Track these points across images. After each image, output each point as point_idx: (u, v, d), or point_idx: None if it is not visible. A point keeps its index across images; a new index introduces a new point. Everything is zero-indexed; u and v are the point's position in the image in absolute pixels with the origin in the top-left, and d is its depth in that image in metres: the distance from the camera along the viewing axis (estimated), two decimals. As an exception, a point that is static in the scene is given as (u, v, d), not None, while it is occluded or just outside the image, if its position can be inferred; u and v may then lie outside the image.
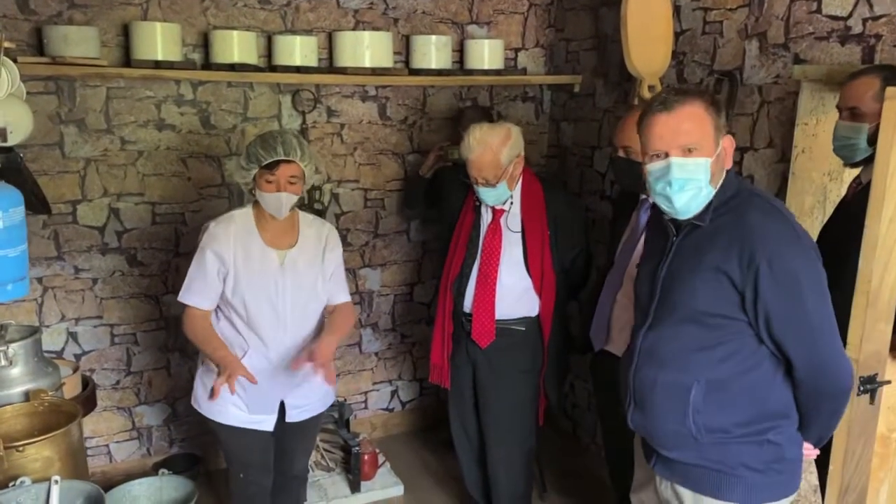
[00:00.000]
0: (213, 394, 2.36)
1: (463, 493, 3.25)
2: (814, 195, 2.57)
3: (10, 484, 1.83)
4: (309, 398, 2.55)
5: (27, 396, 2.17)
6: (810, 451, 1.85)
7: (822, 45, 2.42)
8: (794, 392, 1.74)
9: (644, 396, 1.82)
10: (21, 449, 1.89)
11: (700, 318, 1.71)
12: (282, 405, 2.50)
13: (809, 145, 2.51)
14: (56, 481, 1.82)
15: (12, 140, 1.98)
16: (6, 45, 1.21)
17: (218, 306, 2.44)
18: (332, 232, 2.58)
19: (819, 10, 2.42)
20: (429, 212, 3.51)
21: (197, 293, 2.39)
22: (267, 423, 2.49)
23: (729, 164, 1.74)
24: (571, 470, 3.64)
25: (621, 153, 2.45)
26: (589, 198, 3.64)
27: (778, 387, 1.73)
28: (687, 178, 1.67)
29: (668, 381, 1.77)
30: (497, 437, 2.85)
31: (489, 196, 2.65)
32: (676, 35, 2.98)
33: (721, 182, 1.73)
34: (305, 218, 2.54)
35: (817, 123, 2.49)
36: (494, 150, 2.57)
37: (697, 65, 2.91)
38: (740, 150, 2.69)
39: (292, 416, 2.53)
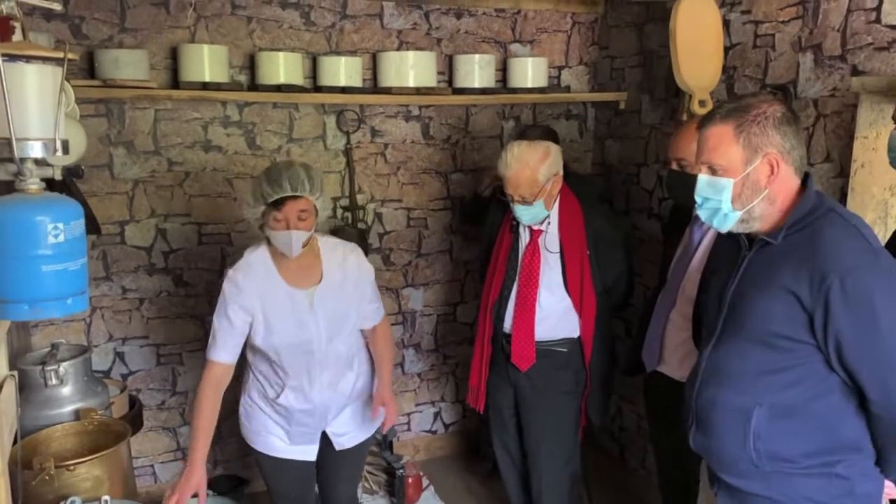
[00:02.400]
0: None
1: (508, 518, 3.18)
2: (874, 211, 2.47)
3: (61, 503, 1.82)
4: (350, 425, 2.48)
5: (77, 415, 2.18)
6: (891, 490, 1.73)
7: (881, 55, 2.35)
8: (870, 426, 1.63)
9: (705, 417, 1.75)
10: (72, 468, 1.89)
11: (767, 340, 1.63)
12: (325, 435, 2.46)
13: (869, 159, 2.42)
14: (106, 501, 1.81)
15: (66, 160, 2.00)
16: (70, 56, 1.21)
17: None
18: (360, 254, 2.43)
19: (878, 20, 2.35)
20: (470, 230, 3.49)
21: (221, 348, 2.25)
22: (309, 453, 2.45)
23: (770, 183, 1.64)
24: (619, 494, 3.55)
25: (675, 166, 2.40)
26: (636, 216, 3.58)
27: (850, 418, 1.63)
28: (707, 196, 1.66)
29: (729, 403, 1.69)
30: (540, 460, 2.78)
31: (525, 214, 2.61)
32: (726, 49, 2.93)
33: (795, 200, 1.65)
34: (327, 244, 2.36)
35: (877, 137, 2.40)
36: (532, 167, 2.53)
37: (749, 79, 2.85)
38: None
39: (340, 444, 2.47)
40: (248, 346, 2.34)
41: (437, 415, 3.93)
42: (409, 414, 3.86)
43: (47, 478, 1.84)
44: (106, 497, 1.81)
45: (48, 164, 1.23)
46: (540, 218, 2.64)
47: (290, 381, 2.32)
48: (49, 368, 2.15)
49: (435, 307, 3.80)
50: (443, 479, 3.69)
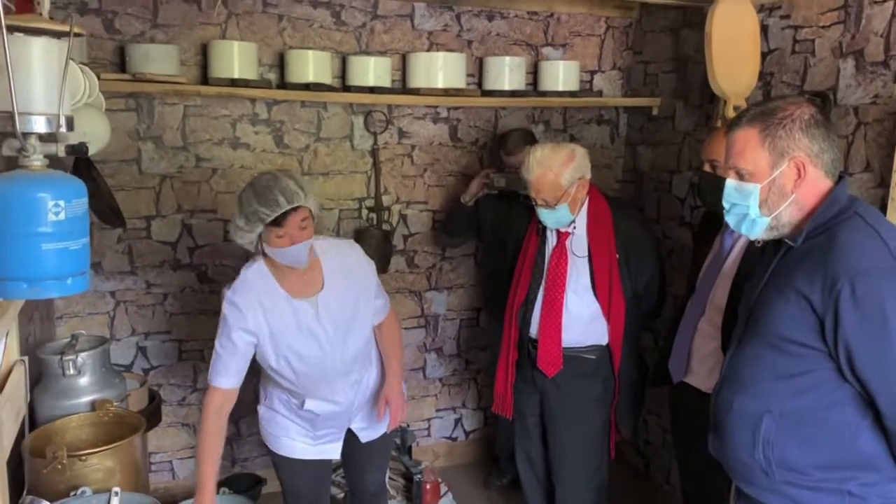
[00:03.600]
0: None
1: (527, 529, 3.11)
2: (917, 223, 2.38)
3: (71, 493, 1.81)
4: (373, 418, 2.46)
5: (93, 406, 2.17)
6: None
7: (927, 61, 2.26)
8: (888, 443, 1.54)
9: (721, 421, 1.69)
10: (84, 458, 1.88)
11: (779, 344, 1.57)
12: (349, 430, 2.45)
13: (912, 169, 2.33)
14: (116, 493, 1.80)
15: (89, 150, 2.00)
16: (77, 30, 1.19)
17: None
18: (354, 248, 2.35)
19: (924, 25, 2.27)
20: (471, 240, 3.43)
21: (222, 374, 2.15)
22: (334, 452, 2.43)
23: (797, 188, 1.58)
24: (643, 510, 3.46)
25: (707, 167, 2.33)
26: (667, 224, 3.50)
27: (866, 433, 1.54)
28: (734, 202, 1.63)
29: (742, 408, 1.63)
30: (565, 471, 2.71)
31: (549, 218, 2.56)
32: (764, 55, 2.85)
33: (819, 204, 1.59)
34: (322, 246, 2.25)
35: (921, 146, 2.31)
36: (555, 171, 2.48)
37: (786, 85, 2.77)
38: (847, 179, 2.53)
39: (366, 437, 2.45)
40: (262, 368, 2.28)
41: (457, 421, 3.87)
42: (429, 419, 3.81)
43: (59, 467, 1.83)
44: (116, 488, 1.80)
45: (54, 141, 1.21)
46: (564, 222, 2.58)
47: (309, 394, 2.28)
48: (67, 358, 2.15)
49: (458, 311, 3.75)
50: (462, 486, 3.63)
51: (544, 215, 2.55)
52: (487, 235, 3.23)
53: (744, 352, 1.66)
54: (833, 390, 1.54)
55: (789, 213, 1.60)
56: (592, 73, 3.72)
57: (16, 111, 1.07)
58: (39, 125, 1.16)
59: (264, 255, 2.16)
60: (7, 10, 1.15)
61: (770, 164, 1.57)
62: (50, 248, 1.09)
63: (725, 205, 1.66)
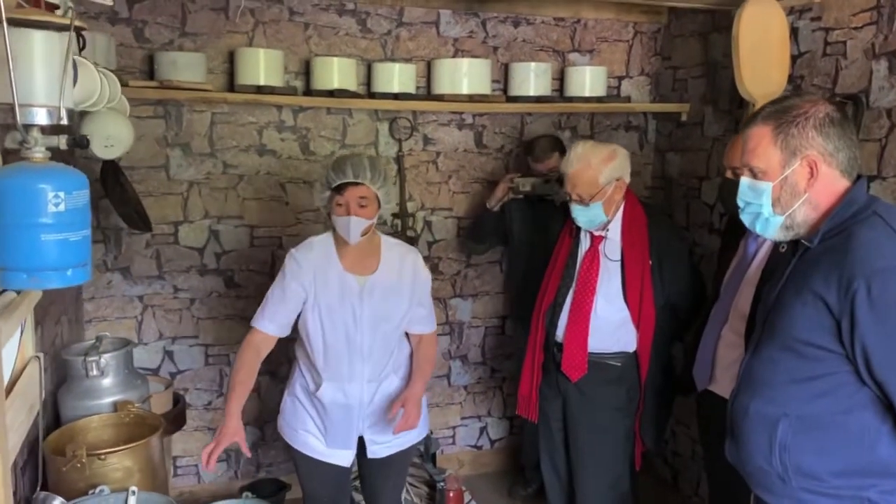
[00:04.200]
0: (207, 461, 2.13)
1: (551, 540, 3.06)
2: (952, 229, 2.30)
3: (90, 492, 1.83)
4: (388, 435, 2.41)
5: (115, 407, 2.20)
6: None
7: (962, 61, 2.19)
8: None
9: (737, 426, 1.65)
10: (103, 457, 1.90)
11: (796, 347, 1.53)
12: (362, 441, 2.42)
13: (947, 173, 2.26)
14: (133, 492, 1.81)
15: (111, 153, 2.05)
16: (78, 24, 1.20)
17: (299, 334, 2.38)
18: (418, 257, 2.45)
19: (959, 24, 2.20)
20: (498, 246, 3.42)
21: (268, 318, 2.31)
22: (344, 458, 2.41)
23: (810, 187, 1.54)
24: (671, 523, 3.39)
25: (729, 174, 2.29)
26: (697, 231, 3.44)
27: (885, 438, 1.49)
28: (748, 201, 1.62)
29: (758, 412, 1.59)
30: (586, 478, 2.67)
31: (581, 215, 2.53)
32: (794, 58, 2.80)
33: (836, 203, 1.55)
34: (388, 242, 2.42)
35: (957, 148, 2.24)
36: (594, 167, 2.48)
37: (817, 88, 2.71)
38: (866, 179, 2.46)
39: (373, 452, 2.43)
40: (296, 336, 2.38)
41: (482, 430, 3.84)
42: (454, 427, 3.79)
43: (79, 465, 1.86)
44: (133, 488, 1.82)
45: (62, 134, 1.22)
46: (597, 222, 2.55)
47: (329, 371, 2.32)
48: (90, 359, 2.18)
49: (483, 319, 3.73)
50: (487, 496, 3.60)
51: (577, 212, 2.53)
52: (515, 241, 3.21)
53: (760, 355, 1.62)
54: (851, 394, 1.49)
55: (804, 213, 1.57)
56: (620, 78, 3.69)
57: (16, 103, 1.08)
58: (40, 117, 1.18)
59: (333, 231, 2.35)
60: (19, 6, 1.18)
61: (782, 162, 1.55)
62: (50, 239, 1.10)
63: (740, 203, 1.64)
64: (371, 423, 2.40)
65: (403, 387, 2.41)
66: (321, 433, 2.39)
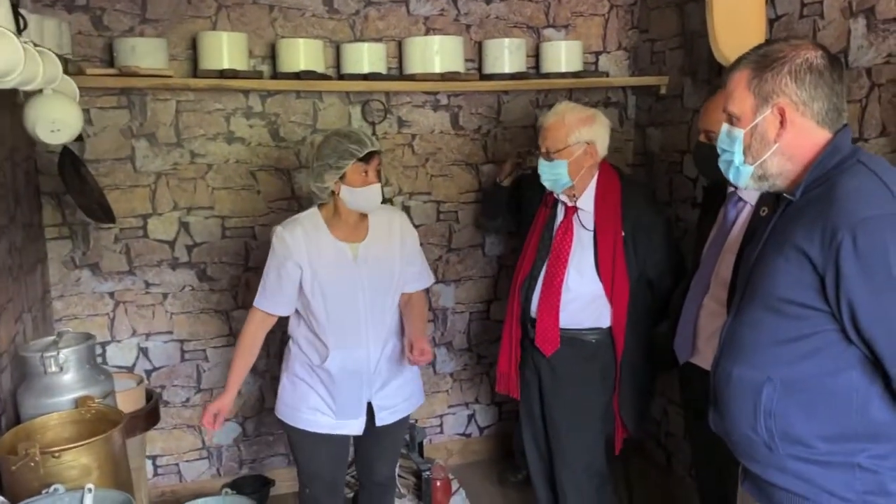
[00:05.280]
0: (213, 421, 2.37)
1: (542, 525, 2.99)
2: (938, 188, 2.22)
3: (44, 491, 1.74)
4: (395, 399, 2.48)
5: (77, 404, 2.11)
6: None
7: (942, 13, 2.11)
8: None
9: (720, 394, 1.57)
10: (57, 455, 1.81)
11: (778, 307, 1.44)
12: (370, 409, 2.44)
13: (931, 131, 2.18)
14: (90, 490, 1.72)
15: (58, 138, 1.96)
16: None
17: (298, 310, 2.41)
18: (404, 217, 2.55)
19: (937, -26, 2.12)
20: (511, 223, 3.33)
21: (268, 298, 2.39)
22: (355, 427, 2.43)
23: (780, 137, 1.47)
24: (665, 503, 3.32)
25: (703, 138, 2.21)
26: (680, 206, 3.36)
27: (875, 400, 1.41)
28: (724, 148, 1.56)
29: (741, 378, 1.51)
30: (562, 456, 2.60)
31: (545, 172, 2.51)
32: (771, 21, 2.72)
33: (818, 154, 1.47)
34: None
35: (940, 104, 2.16)
36: (567, 124, 2.47)
37: (795, 50, 2.63)
38: (850, 129, 2.39)
39: (382, 419, 2.45)
40: (293, 315, 2.43)
41: (471, 417, 3.77)
42: (441, 416, 3.71)
43: (32, 464, 1.77)
44: (90, 485, 1.73)
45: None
46: (560, 183, 2.51)
47: (335, 340, 2.34)
48: (48, 355, 2.09)
49: (467, 304, 3.65)
50: (478, 484, 3.53)
51: (542, 167, 2.52)
52: (526, 215, 3.15)
53: (742, 318, 1.54)
54: (838, 354, 1.41)
55: (777, 164, 1.49)
56: (597, 54, 3.60)
57: None
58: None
59: (320, 206, 2.40)
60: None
61: (753, 108, 1.48)
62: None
63: (719, 150, 1.59)
64: (378, 388, 2.43)
65: (404, 349, 2.43)
66: (329, 406, 2.40)
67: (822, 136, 1.47)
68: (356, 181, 2.29)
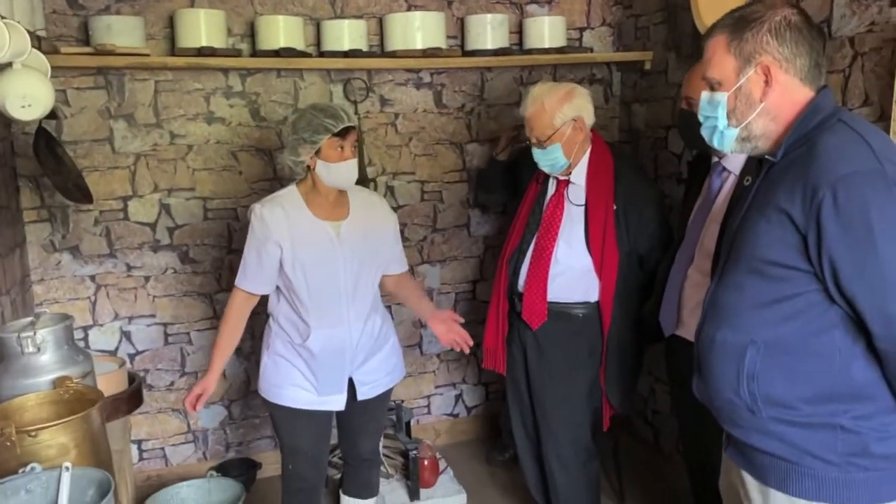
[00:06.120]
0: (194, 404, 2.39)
1: (529, 503, 2.98)
2: (921, 157, 2.21)
3: (21, 470, 1.72)
4: (377, 374, 2.50)
5: (55, 385, 2.08)
6: None
7: (924, -21, 2.10)
8: (882, 369, 1.40)
9: (703, 359, 1.56)
10: (34, 434, 1.78)
11: (761, 268, 1.43)
12: (351, 385, 2.45)
13: (914, 99, 2.17)
14: (67, 468, 1.70)
15: (30, 114, 1.91)
16: None
17: (279, 288, 2.40)
18: (381, 199, 2.58)
19: (919, -60, 2.10)
20: (508, 198, 3.30)
21: (249, 279, 2.37)
22: (337, 403, 2.44)
23: (766, 96, 1.46)
24: (653, 482, 3.32)
25: (684, 105, 2.20)
26: (665, 182, 3.35)
27: (858, 360, 1.40)
28: (706, 115, 1.54)
29: (724, 341, 1.50)
30: (548, 433, 2.59)
31: (542, 159, 2.48)
32: (754, -9, 2.70)
33: (798, 114, 1.46)
34: (353, 187, 2.47)
35: (923, 72, 2.15)
36: (548, 109, 2.42)
37: (778, 21, 2.61)
38: (831, 89, 2.38)
39: (363, 394, 2.46)
40: (273, 293, 2.42)
41: (458, 397, 3.76)
42: (428, 396, 3.70)
43: (8, 444, 1.74)
44: (67, 463, 1.70)
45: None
46: (558, 165, 2.49)
47: (317, 319, 2.34)
48: (25, 336, 2.05)
49: (453, 285, 3.63)
50: (465, 464, 3.52)
51: (538, 156, 2.49)
52: (521, 189, 3.13)
53: (725, 282, 1.53)
54: (820, 314, 1.40)
55: (761, 125, 1.48)
56: (581, 30, 3.57)
57: None
58: None
59: (298, 184, 2.39)
60: None
61: (736, 69, 1.46)
62: None
63: (701, 119, 1.56)
64: (360, 364, 2.44)
65: (383, 324, 2.51)
66: (311, 383, 2.40)
67: (804, 94, 1.47)
68: (331, 156, 2.27)
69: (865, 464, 1.42)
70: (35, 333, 2.07)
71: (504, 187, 3.14)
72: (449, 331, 2.54)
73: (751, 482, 1.55)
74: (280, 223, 2.30)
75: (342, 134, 2.26)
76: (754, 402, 1.46)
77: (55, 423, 1.81)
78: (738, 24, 1.46)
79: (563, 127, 2.41)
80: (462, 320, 2.55)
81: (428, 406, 3.70)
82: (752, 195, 1.51)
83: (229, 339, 2.42)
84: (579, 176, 2.53)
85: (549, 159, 2.46)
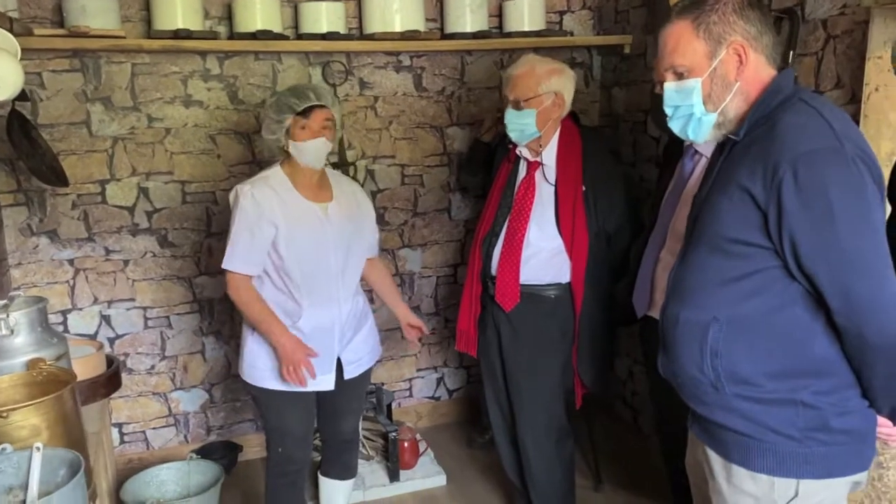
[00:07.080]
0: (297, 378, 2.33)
1: (508, 484, 3.01)
2: (892, 139, 2.24)
3: (-9, 451, 1.72)
4: (361, 352, 2.53)
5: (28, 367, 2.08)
6: (885, 428, 1.52)
7: (894, -39, 2.10)
8: (842, 345, 1.43)
9: (667, 337, 1.57)
10: (5, 415, 1.79)
11: (723, 246, 1.45)
12: (338, 364, 2.47)
13: (884, 82, 2.18)
14: (38, 448, 1.70)
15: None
16: None
17: (265, 271, 2.37)
18: (360, 187, 2.66)
19: (890, -79, 2.11)
20: (471, 180, 3.32)
21: (241, 259, 2.32)
22: (327, 382, 2.44)
23: (741, 75, 1.46)
24: (631, 462, 3.36)
25: (658, 89, 2.20)
26: (644, 166, 3.37)
27: (818, 335, 1.43)
28: (676, 104, 1.52)
29: (688, 319, 1.51)
30: (522, 413, 2.61)
31: (512, 122, 2.49)
32: (729, -24, 2.70)
33: (761, 93, 1.47)
34: (332, 173, 2.55)
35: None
36: (537, 74, 2.47)
37: (753, 4, 2.62)
38: (793, 70, 2.39)
39: (349, 373, 2.49)
40: (256, 278, 2.37)
41: (439, 381, 3.78)
42: (410, 380, 3.72)
43: (-21, 425, 1.75)
44: (38, 444, 1.71)
45: None
46: (527, 133, 2.50)
47: (309, 298, 2.36)
48: (-2, 318, 2.06)
49: (434, 269, 3.64)
50: (446, 446, 3.55)
51: (510, 117, 2.50)
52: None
53: (688, 261, 1.55)
54: (781, 291, 1.42)
55: (735, 106, 1.49)
56: (561, 13, 3.57)
57: None
58: None
59: (283, 163, 2.41)
60: None
61: (708, 53, 1.46)
62: None
63: (668, 111, 1.55)
64: (346, 342, 2.47)
65: (364, 303, 2.56)
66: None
67: (768, 73, 1.49)
68: (297, 135, 2.30)
69: (825, 438, 1.44)
70: (8, 316, 2.07)
71: (487, 171, 3.15)
72: (417, 325, 2.70)
73: (714, 458, 1.57)
74: (272, 203, 2.31)
75: (305, 113, 2.28)
76: (717, 378, 1.48)
77: (27, 403, 1.82)
78: (699, 8, 1.46)
79: (544, 95, 2.45)
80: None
81: (410, 389, 3.72)
82: (715, 174, 1.53)
83: (265, 308, 2.34)
84: (550, 157, 2.55)
85: (520, 123, 2.47)
